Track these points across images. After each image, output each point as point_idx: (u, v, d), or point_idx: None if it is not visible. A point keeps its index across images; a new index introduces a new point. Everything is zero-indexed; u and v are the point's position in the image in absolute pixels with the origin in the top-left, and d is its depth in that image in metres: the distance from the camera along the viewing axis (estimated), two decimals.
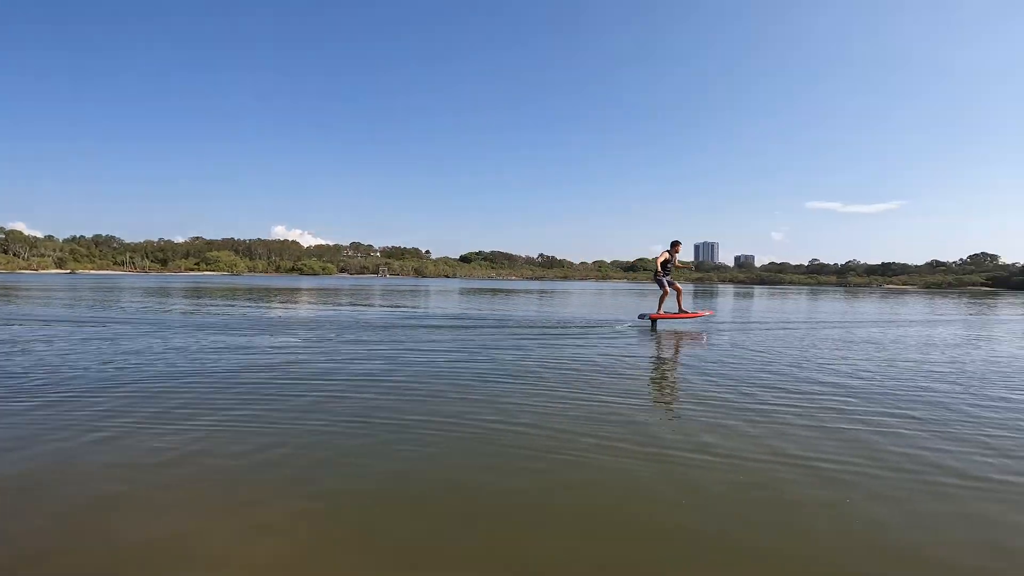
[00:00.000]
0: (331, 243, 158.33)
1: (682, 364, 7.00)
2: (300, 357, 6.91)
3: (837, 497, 2.82)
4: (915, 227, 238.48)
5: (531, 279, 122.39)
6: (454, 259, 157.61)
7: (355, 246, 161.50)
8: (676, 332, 10.70)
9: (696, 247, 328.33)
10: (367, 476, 3.08)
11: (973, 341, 10.12)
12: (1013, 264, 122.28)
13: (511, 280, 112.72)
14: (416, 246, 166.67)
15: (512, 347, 8.10)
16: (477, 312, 15.82)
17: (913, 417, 4.35)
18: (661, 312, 11.66)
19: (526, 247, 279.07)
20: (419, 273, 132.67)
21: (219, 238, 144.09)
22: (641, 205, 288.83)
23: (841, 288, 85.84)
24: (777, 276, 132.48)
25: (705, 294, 40.94)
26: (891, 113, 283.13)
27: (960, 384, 5.77)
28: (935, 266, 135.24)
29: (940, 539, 2.40)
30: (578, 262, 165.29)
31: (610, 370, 6.30)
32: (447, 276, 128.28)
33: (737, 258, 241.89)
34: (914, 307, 24.36)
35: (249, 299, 20.95)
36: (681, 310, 12.15)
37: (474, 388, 5.22)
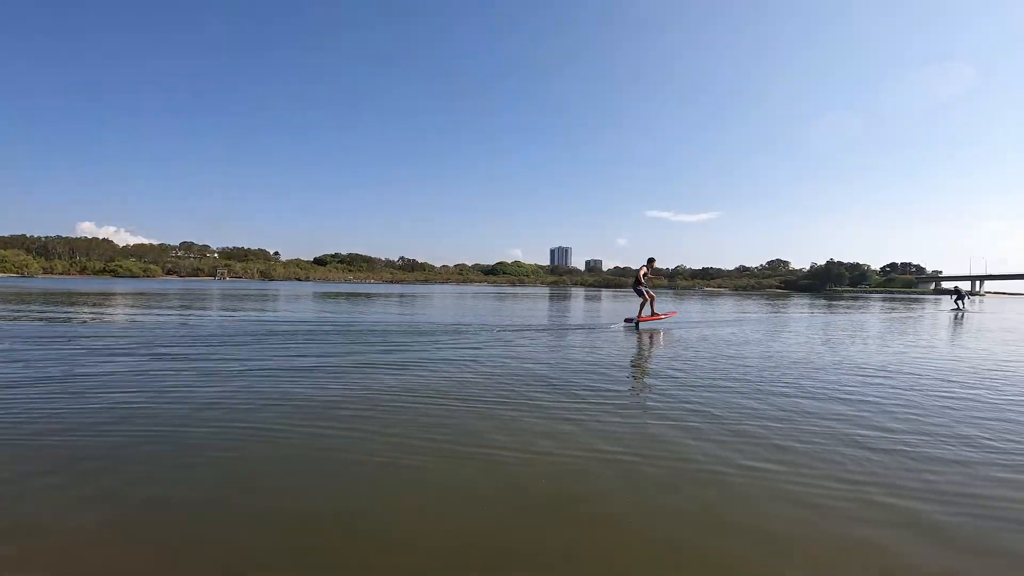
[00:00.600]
0: (155, 242, 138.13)
1: (522, 365, 7.16)
2: (102, 372, 5.86)
3: (635, 486, 3.11)
4: (728, 235, 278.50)
5: (391, 283, 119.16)
6: (307, 261, 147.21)
7: (186, 246, 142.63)
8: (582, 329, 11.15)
9: (552, 251, 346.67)
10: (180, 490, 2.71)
11: (766, 339, 11.68)
12: (800, 269, 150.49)
13: (369, 283, 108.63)
14: (263, 247, 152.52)
15: (352, 354, 7.76)
16: (326, 316, 14.92)
17: (707, 412, 4.83)
18: (642, 316, 13.46)
19: (386, 250, 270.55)
20: (265, 276, 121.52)
21: (6, 234, 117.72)
22: (501, 211, 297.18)
23: (671, 291, 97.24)
24: (621, 279, 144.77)
25: (559, 297, 43.33)
26: (714, 131, 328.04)
27: (749, 379, 6.49)
28: (742, 271, 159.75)
29: (710, 523, 2.66)
30: (439, 265, 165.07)
31: (453, 376, 6.32)
32: (299, 279, 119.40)
33: (588, 262, 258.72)
34: (725, 307, 28.28)
35: (44, 304, 17.29)
36: (653, 313, 13.69)
37: (304, 397, 4.92)
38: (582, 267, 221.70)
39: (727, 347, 9.71)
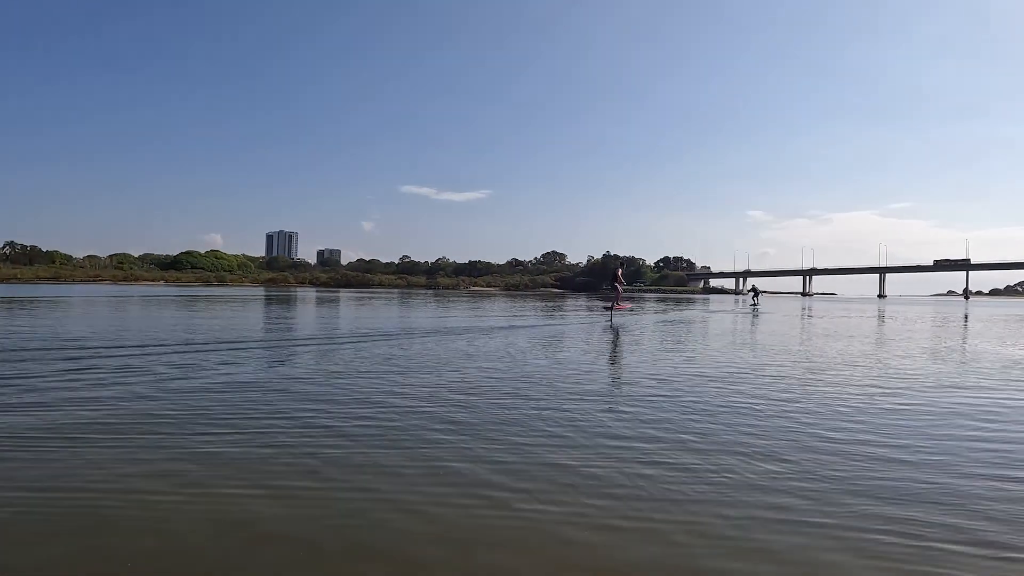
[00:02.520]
0: None
1: (225, 389, 6.96)
2: None
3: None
4: (500, 218, 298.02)
5: None
6: None
7: None
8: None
9: (268, 238, 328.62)
10: None
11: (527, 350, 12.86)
12: (577, 264, 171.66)
13: None
14: None
15: None
16: None
17: (396, 438, 5.25)
18: (618, 305, 24.27)
19: None
20: None
21: None
22: (189, 189, 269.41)
23: (431, 291, 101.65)
24: (366, 277, 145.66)
25: (281, 301, 40.74)
26: (491, 97, 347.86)
27: (508, 396, 7.24)
28: (515, 265, 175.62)
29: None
30: (82, 256, 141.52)
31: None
32: None
33: (321, 253, 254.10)
34: (495, 311, 30.80)
35: None
36: (620, 304, 24.66)
37: None
38: (312, 259, 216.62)
39: (476, 360, 10.50)
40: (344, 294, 68.52)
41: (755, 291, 47.04)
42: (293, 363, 10.01)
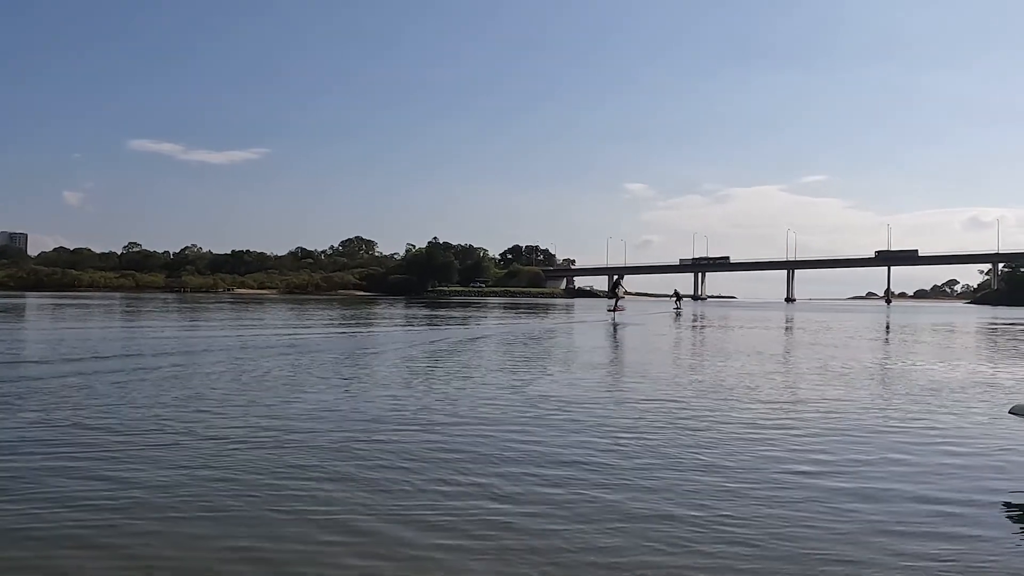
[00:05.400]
0: None
1: None
2: None
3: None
4: (281, 190, 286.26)
5: None
6: None
7: None
8: None
9: None
10: None
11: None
12: (392, 255, 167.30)
13: None
14: None
15: None
16: None
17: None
18: (618, 308, 45.45)
19: None
20: None
21: None
22: None
23: (173, 294, 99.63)
24: (69, 274, 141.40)
25: None
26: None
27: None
28: (302, 258, 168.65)
29: None
30: None
31: None
32: None
33: None
34: (269, 332, 28.38)
35: None
36: (617, 308, 45.48)
37: None
38: None
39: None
40: (32, 300, 64.07)
41: (677, 295, 67.13)
42: None
